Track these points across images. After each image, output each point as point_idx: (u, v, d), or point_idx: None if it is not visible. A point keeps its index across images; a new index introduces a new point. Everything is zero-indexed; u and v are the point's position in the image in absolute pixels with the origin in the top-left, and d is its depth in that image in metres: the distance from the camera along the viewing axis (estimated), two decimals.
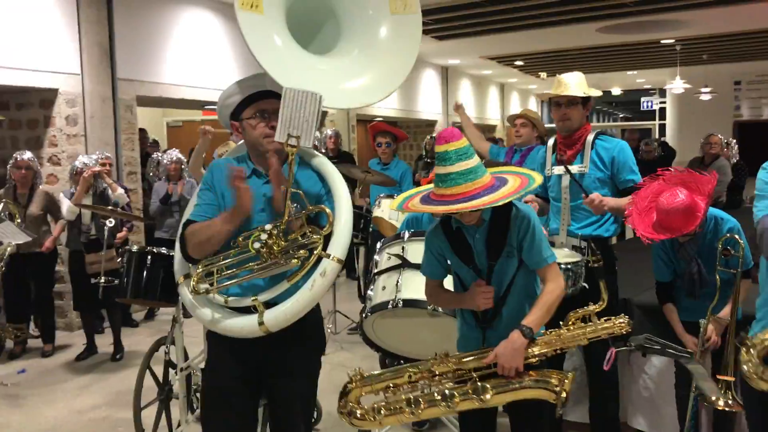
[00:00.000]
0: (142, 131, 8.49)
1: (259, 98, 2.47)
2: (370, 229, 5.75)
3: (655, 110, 23.11)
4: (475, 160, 2.25)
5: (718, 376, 2.56)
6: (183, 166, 6.66)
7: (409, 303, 3.03)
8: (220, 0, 8.57)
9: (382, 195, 5.29)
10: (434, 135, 8.46)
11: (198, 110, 11.07)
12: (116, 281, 4.71)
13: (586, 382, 3.52)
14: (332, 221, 2.33)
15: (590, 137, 3.49)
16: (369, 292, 3.26)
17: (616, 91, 22.68)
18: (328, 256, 2.29)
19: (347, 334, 6.17)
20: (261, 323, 2.30)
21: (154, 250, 3.90)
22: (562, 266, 3.05)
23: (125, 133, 7.42)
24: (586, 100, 3.49)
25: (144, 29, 7.68)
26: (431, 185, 2.35)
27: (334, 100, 2.44)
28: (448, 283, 2.63)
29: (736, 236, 3.00)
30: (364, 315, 3.19)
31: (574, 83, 3.44)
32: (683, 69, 15.69)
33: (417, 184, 6.35)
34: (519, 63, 16.38)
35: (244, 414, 2.51)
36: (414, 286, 3.05)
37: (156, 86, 7.86)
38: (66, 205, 5.67)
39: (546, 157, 3.65)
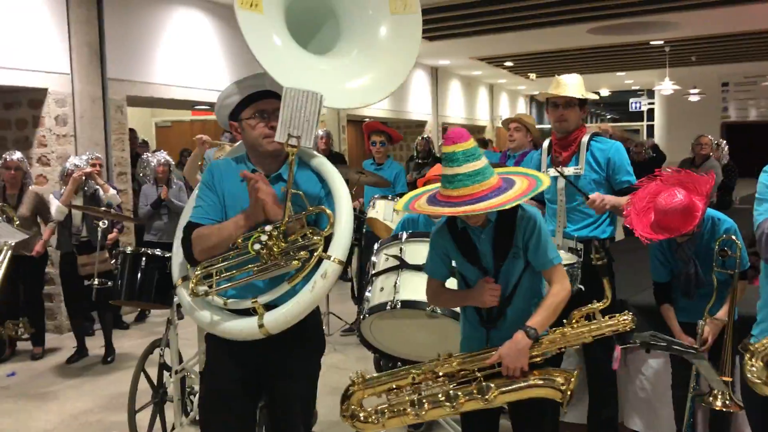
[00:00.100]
0: (132, 131, 8.43)
1: (259, 98, 2.44)
2: (364, 230, 5.73)
3: (643, 111, 23.25)
4: (482, 162, 2.23)
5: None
6: (171, 169, 6.61)
7: (408, 304, 3.02)
8: (211, 0, 8.53)
9: (376, 196, 5.28)
10: (425, 136, 8.45)
11: (187, 110, 11.02)
12: (110, 283, 4.67)
13: (585, 382, 3.52)
14: (333, 222, 2.31)
15: (585, 139, 3.49)
16: (367, 293, 3.24)
17: (604, 92, 22.80)
18: (329, 257, 2.27)
19: (340, 336, 6.16)
20: (261, 325, 2.27)
21: (149, 251, 3.86)
22: None
23: (115, 134, 7.36)
24: (583, 102, 3.49)
25: (134, 29, 7.62)
26: (436, 185, 2.33)
27: (334, 100, 2.42)
28: (450, 285, 2.61)
29: (733, 237, 3.02)
30: (362, 316, 3.17)
31: (573, 84, 3.44)
32: (672, 70, 15.82)
33: (410, 184, 6.35)
34: (509, 64, 16.44)
35: (243, 417, 2.48)
36: (412, 288, 3.04)
37: (146, 86, 7.81)
38: (55, 206, 5.61)
39: (541, 159, 3.65)
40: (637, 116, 24.09)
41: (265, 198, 2.27)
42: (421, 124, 15.83)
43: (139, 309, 7.11)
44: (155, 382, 3.93)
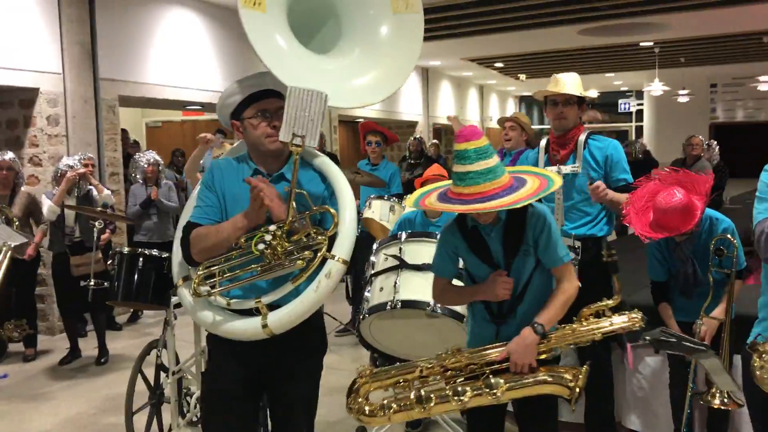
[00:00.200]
0: (124, 132, 8.39)
1: (261, 98, 2.43)
2: (359, 230, 5.71)
3: (632, 112, 23.37)
4: (494, 160, 2.23)
5: None
6: (160, 168, 6.57)
7: (408, 304, 3.02)
8: (203, 0, 8.50)
9: (372, 196, 5.27)
10: (418, 136, 8.45)
11: (178, 111, 10.97)
12: (106, 284, 4.63)
13: None
14: (337, 222, 2.30)
15: (582, 137, 3.51)
16: (366, 293, 3.24)
17: (593, 93, 22.90)
18: (333, 257, 2.26)
19: (335, 336, 6.15)
20: (265, 326, 2.26)
21: (146, 252, 3.82)
22: None
23: (107, 134, 7.32)
24: (581, 101, 3.51)
25: (126, 29, 7.58)
26: (445, 182, 2.32)
27: (338, 99, 2.41)
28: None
29: (730, 236, 3.04)
30: (361, 316, 3.17)
31: (572, 83, 3.46)
32: (661, 71, 15.92)
33: (405, 185, 6.34)
34: (499, 65, 16.50)
35: (245, 418, 2.47)
36: (412, 287, 3.05)
37: (138, 86, 7.77)
38: (47, 206, 5.56)
39: (538, 158, 3.66)
40: (626, 117, 24.21)
41: (270, 204, 2.25)
42: (412, 125, 15.84)
43: (132, 310, 7.07)
44: (152, 384, 3.91)
